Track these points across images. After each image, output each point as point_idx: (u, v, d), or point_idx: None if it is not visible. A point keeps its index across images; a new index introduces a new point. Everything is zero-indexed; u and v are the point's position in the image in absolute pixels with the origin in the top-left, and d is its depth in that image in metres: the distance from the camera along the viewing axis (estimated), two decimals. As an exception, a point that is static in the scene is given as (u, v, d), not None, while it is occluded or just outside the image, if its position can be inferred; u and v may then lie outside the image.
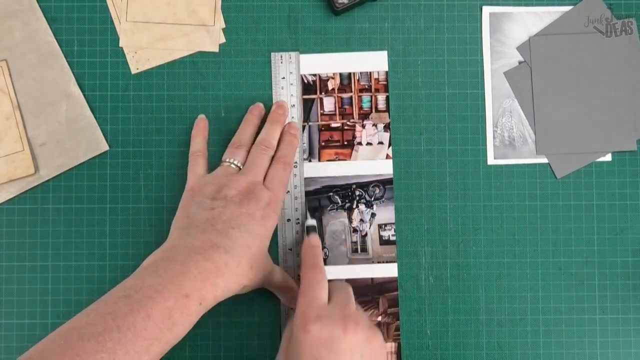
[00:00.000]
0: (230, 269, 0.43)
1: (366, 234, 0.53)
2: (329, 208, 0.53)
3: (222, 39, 0.55)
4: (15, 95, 0.54)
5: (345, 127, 0.54)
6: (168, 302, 0.40)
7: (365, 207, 0.53)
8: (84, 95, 0.54)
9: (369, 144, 0.54)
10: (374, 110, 0.54)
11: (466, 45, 0.55)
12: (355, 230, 0.53)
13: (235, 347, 0.53)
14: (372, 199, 0.53)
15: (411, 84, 0.55)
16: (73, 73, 0.54)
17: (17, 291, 0.53)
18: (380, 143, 0.54)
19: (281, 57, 0.54)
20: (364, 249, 0.53)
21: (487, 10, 0.55)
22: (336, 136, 0.54)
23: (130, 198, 0.54)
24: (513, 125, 0.55)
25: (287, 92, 0.54)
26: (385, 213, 0.54)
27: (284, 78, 0.54)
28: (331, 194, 0.54)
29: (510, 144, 0.55)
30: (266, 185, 0.48)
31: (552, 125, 0.55)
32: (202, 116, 0.53)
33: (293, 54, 0.54)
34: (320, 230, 0.53)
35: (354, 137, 0.54)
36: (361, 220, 0.53)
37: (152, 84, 0.55)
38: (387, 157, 0.54)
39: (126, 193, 0.54)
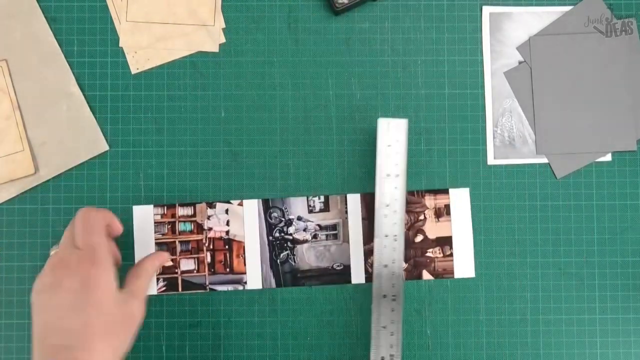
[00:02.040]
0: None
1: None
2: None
3: (222, 39, 0.55)
4: (15, 95, 0.54)
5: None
6: None
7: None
8: (84, 95, 0.54)
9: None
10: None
11: (466, 45, 0.55)
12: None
13: (235, 347, 0.53)
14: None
15: (411, 84, 0.55)
16: (73, 73, 0.54)
17: (17, 291, 0.53)
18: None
19: (389, 123, 0.50)
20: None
21: (487, 10, 0.55)
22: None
23: (130, 198, 0.54)
24: (513, 125, 0.55)
25: (392, 161, 0.50)
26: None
27: (389, 146, 0.50)
28: None
29: (510, 144, 0.55)
30: (75, 244, 0.42)
31: (552, 125, 0.55)
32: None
33: (401, 121, 0.50)
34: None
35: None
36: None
37: (152, 84, 0.55)
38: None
39: (126, 193, 0.54)
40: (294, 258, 0.54)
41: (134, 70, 0.55)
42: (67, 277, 0.40)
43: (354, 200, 0.54)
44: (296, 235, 0.54)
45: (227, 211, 0.54)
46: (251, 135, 0.54)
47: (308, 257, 0.54)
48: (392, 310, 0.50)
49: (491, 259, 0.54)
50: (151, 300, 0.53)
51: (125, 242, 0.53)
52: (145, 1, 0.55)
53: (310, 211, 0.54)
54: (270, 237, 0.54)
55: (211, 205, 0.54)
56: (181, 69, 0.55)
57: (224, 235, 0.54)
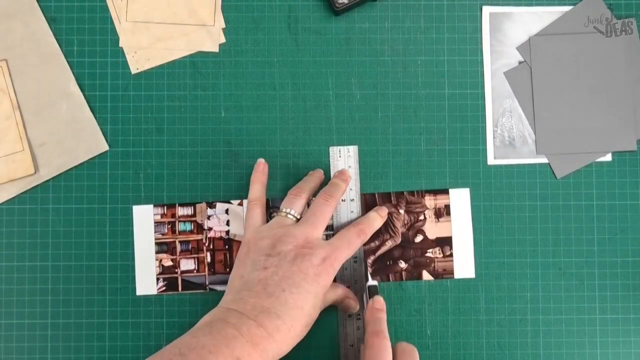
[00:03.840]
0: (281, 334, 0.43)
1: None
2: None
3: (222, 39, 0.55)
4: (15, 95, 0.54)
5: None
6: None
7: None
8: (84, 95, 0.54)
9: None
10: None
11: (466, 45, 0.55)
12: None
13: (235, 347, 0.53)
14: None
15: (411, 84, 0.55)
16: (73, 73, 0.54)
17: (17, 291, 0.53)
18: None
19: (339, 151, 0.53)
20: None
21: (487, 10, 0.55)
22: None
23: (130, 198, 0.54)
24: (513, 125, 0.55)
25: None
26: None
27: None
28: None
29: (510, 144, 0.55)
30: (330, 240, 0.47)
31: (552, 125, 0.55)
32: (261, 160, 0.52)
33: (352, 148, 0.54)
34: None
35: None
36: None
37: (152, 84, 0.55)
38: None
39: (126, 193, 0.54)
40: None
41: (134, 70, 0.55)
42: (306, 260, 0.45)
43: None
44: None
45: (227, 211, 0.54)
46: (251, 135, 0.55)
47: None
48: (358, 328, 0.52)
49: (491, 259, 0.54)
50: (151, 300, 0.53)
51: (125, 242, 0.53)
52: (145, 1, 0.55)
53: None
54: None
55: (211, 205, 0.54)
56: (181, 69, 0.55)
57: (224, 235, 0.54)
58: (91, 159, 0.54)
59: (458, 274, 0.54)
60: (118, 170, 0.54)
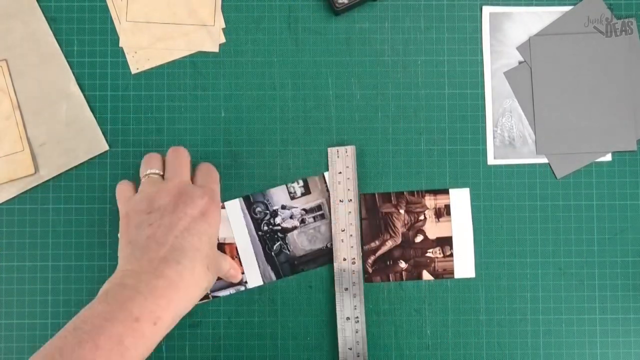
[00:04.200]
0: (185, 279, 0.42)
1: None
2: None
3: (222, 39, 0.55)
4: (15, 95, 0.54)
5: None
6: (116, 329, 0.39)
7: None
8: (84, 95, 0.54)
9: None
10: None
11: (466, 45, 0.55)
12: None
13: (235, 347, 0.53)
14: None
15: (411, 84, 0.55)
16: (73, 73, 0.54)
17: (17, 291, 0.53)
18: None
19: (337, 151, 0.53)
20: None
21: (487, 10, 0.55)
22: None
23: (130, 198, 0.54)
24: (513, 125, 0.55)
25: (344, 187, 0.53)
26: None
27: (340, 173, 0.53)
28: None
29: (510, 144, 0.55)
30: (195, 182, 0.48)
31: (552, 125, 0.55)
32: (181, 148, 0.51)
33: (349, 148, 0.53)
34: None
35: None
36: None
37: (152, 84, 0.55)
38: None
39: (126, 193, 0.54)
40: (287, 247, 0.54)
41: (134, 70, 0.55)
42: (188, 205, 0.45)
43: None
44: (284, 224, 0.54)
45: None
46: (251, 135, 0.54)
47: (300, 242, 0.54)
48: (357, 331, 0.52)
49: (491, 259, 0.54)
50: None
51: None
52: (145, 1, 0.55)
53: (292, 197, 0.54)
54: (260, 232, 0.54)
55: None
56: (181, 69, 0.55)
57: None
58: (91, 159, 0.54)
59: (458, 274, 0.54)
60: (118, 170, 0.54)
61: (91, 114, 0.54)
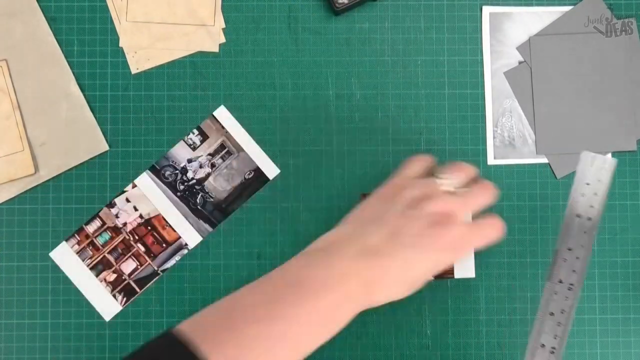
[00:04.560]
0: (397, 277, 0.41)
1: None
2: None
3: (222, 39, 0.55)
4: (15, 95, 0.54)
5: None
6: (333, 299, 0.39)
7: None
8: (84, 95, 0.54)
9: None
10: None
11: (466, 45, 0.55)
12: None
13: (235, 347, 0.53)
14: None
15: (411, 84, 0.55)
16: (73, 73, 0.54)
17: (17, 291, 0.53)
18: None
19: (593, 158, 0.45)
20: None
21: (487, 10, 0.55)
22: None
23: (130, 198, 0.54)
24: (513, 125, 0.55)
25: (586, 201, 0.45)
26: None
27: (588, 184, 0.45)
28: None
29: (510, 144, 0.55)
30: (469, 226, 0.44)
31: (552, 125, 0.55)
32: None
33: (609, 159, 0.45)
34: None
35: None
36: None
37: (152, 84, 0.55)
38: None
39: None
40: (209, 195, 0.54)
41: (134, 70, 0.55)
42: (448, 228, 0.42)
43: (223, 114, 0.54)
44: (197, 176, 0.54)
45: (127, 199, 0.54)
46: (251, 135, 0.54)
47: (220, 184, 0.54)
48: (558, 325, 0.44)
49: (491, 259, 0.54)
50: (151, 301, 0.53)
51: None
52: (145, 1, 0.55)
53: (194, 148, 0.54)
54: (178, 193, 0.54)
55: (110, 204, 0.54)
56: (181, 69, 0.55)
57: (139, 220, 0.54)
58: (91, 159, 0.54)
59: (458, 274, 0.54)
60: (118, 170, 0.54)
61: (91, 114, 0.54)
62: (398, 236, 0.41)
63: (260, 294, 0.40)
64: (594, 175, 0.45)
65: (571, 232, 0.45)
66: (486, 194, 0.45)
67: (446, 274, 0.54)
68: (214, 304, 0.39)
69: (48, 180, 0.54)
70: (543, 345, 0.44)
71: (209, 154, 0.54)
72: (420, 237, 0.42)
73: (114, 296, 0.53)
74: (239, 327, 0.37)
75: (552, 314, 0.44)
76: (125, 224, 0.54)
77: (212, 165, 0.54)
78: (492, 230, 0.44)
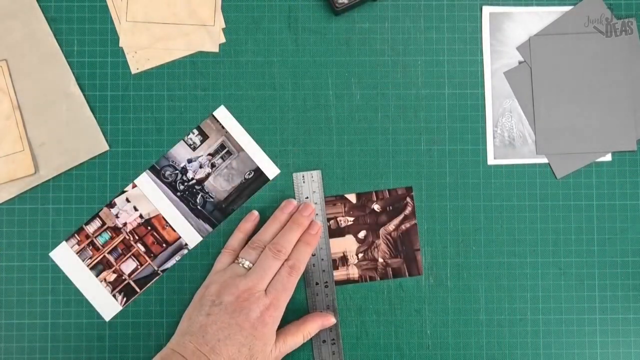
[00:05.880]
0: None
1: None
2: None
3: (222, 39, 0.55)
4: (15, 95, 0.54)
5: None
6: None
7: None
8: (84, 95, 0.54)
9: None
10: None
11: (466, 45, 0.55)
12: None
13: (235, 347, 0.53)
14: None
15: (411, 84, 0.55)
16: (73, 73, 0.54)
17: (17, 291, 0.53)
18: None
19: (303, 176, 0.54)
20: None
21: (487, 10, 0.55)
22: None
23: (130, 198, 0.54)
24: (513, 125, 0.55)
25: None
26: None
27: (307, 198, 0.54)
28: None
29: (510, 144, 0.55)
30: (269, 290, 0.49)
31: (552, 125, 0.55)
32: (254, 212, 0.53)
33: (315, 172, 0.54)
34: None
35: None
36: None
37: (152, 84, 0.55)
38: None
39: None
40: (209, 195, 0.54)
41: (134, 70, 0.55)
42: (244, 313, 0.48)
43: (223, 114, 0.54)
44: (197, 176, 0.54)
45: (127, 199, 0.54)
46: (251, 135, 0.54)
47: (219, 185, 0.54)
48: (333, 353, 0.53)
49: (491, 259, 0.54)
50: (151, 301, 0.53)
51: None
52: (145, 1, 0.55)
53: (194, 148, 0.54)
54: (178, 193, 0.54)
55: (110, 204, 0.54)
56: (181, 69, 0.55)
57: (139, 220, 0.54)
58: (91, 159, 0.54)
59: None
60: (118, 170, 0.54)
61: (91, 114, 0.54)
62: (205, 335, 0.47)
63: None
64: (308, 189, 0.53)
65: None
66: (277, 257, 0.50)
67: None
68: None
69: (48, 180, 0.54)
70: (324, 341, 0.53)
71: (209, 154, 0.54)
72: (225, 329, 0.47)
73: (114, 296, 0.53)
74: None
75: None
76: (125, 224, 0.54)
77: (212, 165, 0.54)
78: (286, 272, 0.50)
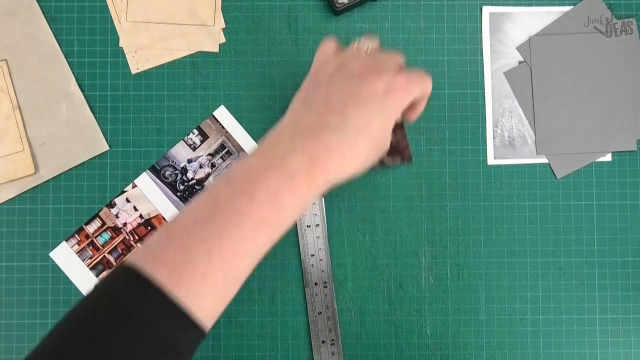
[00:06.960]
0: (343, 150, 0.39)
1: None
2: None
3: (222, 39, 0.55)
4: (15, 95, 0.54)
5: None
6: (272, 181, 0.37)
7: None
8: (84, 95, 0.54)
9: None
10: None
11: (466, 45, 0.55)
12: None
13: (235, 347, 0.53)
14: None
15: (411, 84, 0.55)
16: (73, 73, 0.54)
17: (17, 291, 0.53)
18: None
19: None
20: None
21: (487, 10, 0.55)
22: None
23: (130, 198, 0.54)
24: (513, 125, 0.55)
25: (310, 212, 0.53)
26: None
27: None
28: None
29: (510, 144, 0.55)
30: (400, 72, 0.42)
31: (552, 125, 0.55)
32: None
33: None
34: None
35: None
36: None
37: (152, 84, 0.55)
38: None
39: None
40: None
41: (134, 70, 0.55)
42: (374, 79, 0.41)
43: (223, 114, 0.54)
44: (197, 176, 0.54)
45: (127, 199, 0.54)
46: (251, 135, 0.54)
47: None
48: (333, 353, 0.52)
49: (491, 259, 0.54)
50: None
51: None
52: (145, 1, 0.55)
53: (194, 148, 0.54)
54: (178, 193, 0.54)
55: (110, 204, 0.54)
56: (181, 69, 0.55)
57: (139, 220, 0.54)
58: (91, 159, 0.54)
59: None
60: (118, 170, 0.54)
61: (91, 114, 0.54)
62: (328, 104, 0.40)
63: (198, 202, 0.38)
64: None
65: (308, 240, 0.53)
66: (398, 57, 0.44)
67: (400, 156, 0.53)
68: (160, 226, 0.37)
69: (48, 180, 0.54)
70: (324, 342, 0.52)
71: (209, 154, 0.54)
72: (354, 95, 0.40)
73: None
74: (182, 238, 0.36)
75: (319, 313, 0.52)
76: (125, 224, 0.54)
77: (212, 166, 0.54)
78: (425, 76, 0.44)
